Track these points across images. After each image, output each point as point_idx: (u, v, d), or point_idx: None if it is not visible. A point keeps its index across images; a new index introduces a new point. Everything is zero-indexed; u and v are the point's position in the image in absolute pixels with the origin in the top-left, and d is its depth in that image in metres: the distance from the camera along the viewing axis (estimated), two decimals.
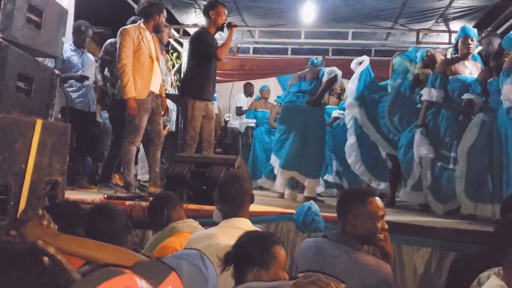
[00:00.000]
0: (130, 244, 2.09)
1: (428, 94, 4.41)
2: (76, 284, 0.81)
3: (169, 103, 6.16)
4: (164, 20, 4.56)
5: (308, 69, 5.33)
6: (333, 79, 4.97)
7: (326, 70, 5.02)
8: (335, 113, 6.34)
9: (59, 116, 4.43)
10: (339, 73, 5.02)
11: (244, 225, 2.12)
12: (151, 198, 3.73)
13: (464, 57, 4.45)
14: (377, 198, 2.08)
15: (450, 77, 4.42)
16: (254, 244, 1.69)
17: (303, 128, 4.98)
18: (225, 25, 4.65)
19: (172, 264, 1.08)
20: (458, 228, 3.40)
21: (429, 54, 4.92)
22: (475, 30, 4.63)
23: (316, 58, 5.45)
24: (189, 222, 2.57)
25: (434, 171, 4.33)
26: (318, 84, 5.04)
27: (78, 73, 4.90)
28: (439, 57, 4.97)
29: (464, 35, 4.46)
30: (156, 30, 4.52)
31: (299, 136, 4.96)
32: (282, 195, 5.13)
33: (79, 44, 5.01)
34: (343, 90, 6.59)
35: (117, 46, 4.31)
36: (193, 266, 1.23)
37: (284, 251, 1.74)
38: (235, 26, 4.56)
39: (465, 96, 4.16)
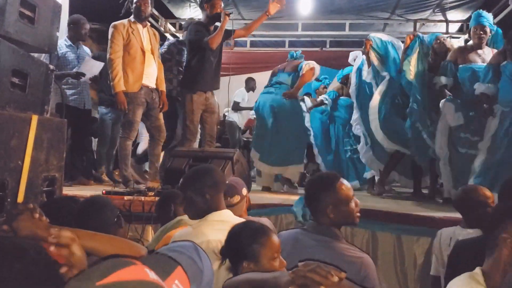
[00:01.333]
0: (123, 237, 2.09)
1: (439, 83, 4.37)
2: (86, 273, 0.80)
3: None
4: (144, 5, 4.43)
5: (287, 62, 5.31)
6: (310, 73, 4.95)
7: (304, 63, 5.00)
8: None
9: (55, 112, 4.41)
10: (317, 66, 5.02)
11: (227, 217, 2.12)
12: (150, 193, 3.76)
13: (476, 46, 4.30)
14: (343, 180, 2.02)
15: (460, 66, 4.30)
16: (241, 238, 1.68)
17: (278, 120, 4.97)
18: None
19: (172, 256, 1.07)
20: (457, 217, 3.40)
21: (438, 41, 4.71)
22: (490, 16, 4.39)
23: (295, 52, 5.40)
24: None
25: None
26: (297, 77, 5.03)
27: (74, 69, 4.87)
28: (450, 44, 4.76)
29: (476, 24, 4.31)
30: (138, 17, 4.44)
31: (275, 129, 4.98)
32: (268, 188, 5.09)
33: (75, 38, 4.97)
34: None
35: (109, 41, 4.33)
36: (188, 258, 1.22)
37: (273, 239, 1.70)
38: (228, 15, 4.52)
39: (477, 87, 4.00)
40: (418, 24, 7.95)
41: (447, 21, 7.64)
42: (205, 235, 1.98)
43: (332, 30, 8.27)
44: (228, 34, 4.71)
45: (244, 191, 2.61)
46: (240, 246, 1.66)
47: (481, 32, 4.27)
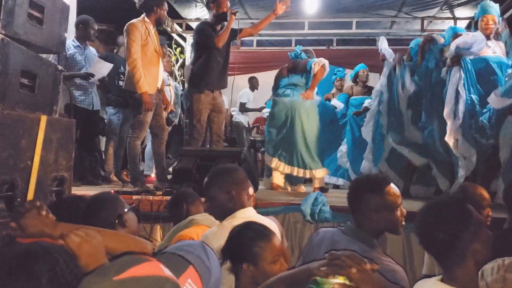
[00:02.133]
0: None
1: None
2: (102, 269, 0.81)
3: (173, 97, 6.17)
4: (165, 13, 4.52)
5: (293, 62, 5.09)
6: (322, 71, 4.85)
7: (313, 62, 4.87)
8: (366, 102, 5.91)
9: (63, 113, 4.44)
10: (326, 62, 4.88)
11: (253, 214, 2.12)
12: (162, 192, 3.78)
13: (486, 38, 4.14)
14: (393, 185, 1.91)
15: (472, 58, 4.10)
16: (242, 240, 1.68)
17: (300, 121, 4.87)
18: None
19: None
20: None
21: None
22: (497, 6, 4.29)
23: (298, 52, 5.17)
24: (207, 216, 2.59)
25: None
26: (309, 76, 4.92)
27: (82, 70, 4.90)
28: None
29: (484, 14, 4.20)
30: (159, 24, 4.50)
31: (299, 131, 4.86)
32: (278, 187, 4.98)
33: (84, 38, 4.98)
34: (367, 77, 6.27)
35: (125, 41, 4.29)
36: (196, 258, 1.22)
37: (274, 242, 1.69)
38: (235, 14, 4.52)
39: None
40: (425, 22, 7.90)
41: (455, 19, 7.58)
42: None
43: (338, 28, 8.24)
44: (235, 33, 4.69)
45: (251, 190, 2.61)
46: (241, 248, 1.66)
47: (490, 22, 4.16)
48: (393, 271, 1.76)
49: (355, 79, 6.25)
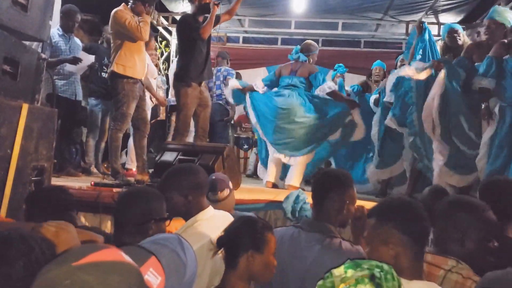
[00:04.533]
0: None
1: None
2: (61, 257, 0.80)
3: (159, 90, 6.13)
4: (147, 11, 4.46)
5: (296, 63, 4.99)
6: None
7: (324, 86, 4.81)
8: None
9: (45, 102, 4.38)
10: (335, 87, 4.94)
11: (214, 212, 2.12)
12: (139, 185, 3.75)
13: (491, 42, 4.03)
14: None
15: (476, 64, 4.03)
16: (249, 229, 1.71)
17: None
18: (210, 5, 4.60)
19: (150, 249, 1.07)
20: None
21: (450, 35, 4.44)
22: (502, 10, 4.23)
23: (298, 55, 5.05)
24: None
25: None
26: (309, 83, 4.88)
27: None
28: (463, 40, 4.45)
29: (487, 19, 4.16)
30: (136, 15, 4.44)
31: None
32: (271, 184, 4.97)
33: (67, 28, 4.93)
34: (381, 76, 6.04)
35: (120, 26, 4.26)
36: (171, 251, 1.22)
37: (274, 238, 1.76)
38: (217, 4, 4.53)
39: (477, 80, 3.83)
40: (410, 26, 7.98)
41: (439, 24, 7.67)
42: (204, 235, 1.97)
43: (324, 29, 8.27)
44: (217, 20, 4.73)
45: (231, 185, 2.62)
46: (246, 238, 1.69)
47: (493, 26, 4.04)
48: (351, 252, 1.88)
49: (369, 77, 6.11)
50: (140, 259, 0.92)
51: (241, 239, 1.69)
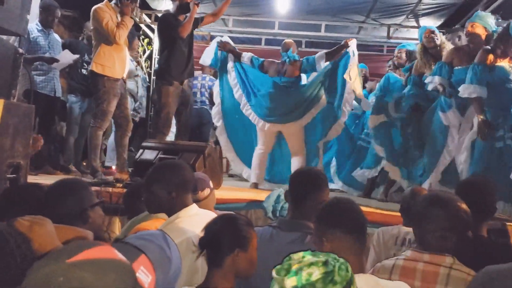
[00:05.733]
0: None
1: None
2: (53, 253, 0.79)
3: (140, 88, 6.08)
4: (131, 9, 4.42)
5: (283, 64, 4.91)
6: None
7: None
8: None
9: (22, 98, 4.30)
10: None
11: (197, 210, 2.11)
12: (122, 184, 3.71)
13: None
14: None
15: (456, 68, 4.06)
16: (233, 228, 1.70)
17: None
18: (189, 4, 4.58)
19: (135, 245, 1.06)
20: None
21: (427, 35, 4.40)
22: (484, 15, 4.21)
23: (290, 53, 4.93)
24: None
25: None
26: (298, 81, 4.88)
27: (46, 55, 4.76)
28: (442, 41, 4.41)
29: (468, 22, 4.15)
30: (121, 14, 4.40)
31: None
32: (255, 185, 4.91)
33: (46, 24, 4.85)
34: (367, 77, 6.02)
35: (97, 26, 4.20)
36: (156, 246, 1.21)
37: (256, 233, 1.77)
38: (197, 4, 4.53)
39: (466, 89, 3.78)
40: (391, 29, 8.08)
41: (419, 28, 7.78)
42: (185, 231, 1.95)
43: (308, 30, 8.31)
44: (197, 22, 4.74)
45: (211, 184, 2.60)
46: (237, 233, 1.68)
47: (474, 30, 4.05)
48: None
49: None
50: (130, 256, 0.91)
51: (226, 238, 1.67)
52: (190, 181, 2.15)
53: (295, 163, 4.71)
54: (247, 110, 4.87)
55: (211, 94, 6.25)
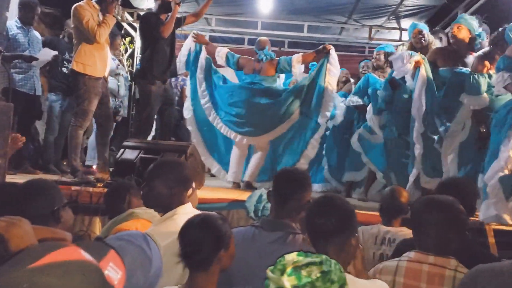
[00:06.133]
0: None
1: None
2: (17, 258, 0.77)
3: (122, 87, 6.03)
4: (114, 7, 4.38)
5: (259, 62, 4.84)
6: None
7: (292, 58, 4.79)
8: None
9: (1, 97, 4.23)
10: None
11: (192, 209, 2.11)
12: (103, 184, 3.67)
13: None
14: None
15: (441, 69, 4.11)
16: (215, 231, 1.67)
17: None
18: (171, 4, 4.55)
19: (114, 245, 1.05)
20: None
21: (414, 34, 4.46)
22: (470, 18, 4.26)
23: (267, 51, 4.88)
24: (148, 210, 2.54)
25: None
26: (273, 79, 4.85)
27: (25, 52, 4.69)
28: (429, 41, 4.48)
29: (453, 23, 4.22)
30: (104, 11, 4.35)
31: None
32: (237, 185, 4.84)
33: (26, 21, 4.77)
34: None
35: (78, 24, 4.14)
36: (136, 247, 1.20)
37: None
38: (179, 4, 4.52)
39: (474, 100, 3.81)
40: (373, 30, 8.16)
41: (400, 29, 7.88)
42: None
43: (290, 30, 8.35)
44: (179, 21, 4.70)
45: (193, 184, 2.60)
46: (222, 235, 1.67)
47: (459, 31, 4.12)
48: None
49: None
50: (98, 253, 0.90)
51: (209, 243, 1.65)
52: (190, 179, 2.18)
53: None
54: (218, 124, 4.77)
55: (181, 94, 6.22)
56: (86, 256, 0.80)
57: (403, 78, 4.27)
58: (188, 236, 1.67)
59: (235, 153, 4.75)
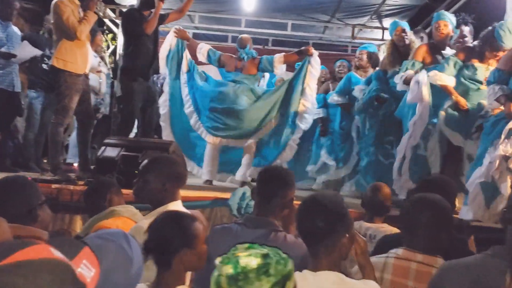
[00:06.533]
0: None
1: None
2: None
3: (103, 85, 5.96)
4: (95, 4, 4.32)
5: (241, 60, 4.80)
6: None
7: (275, 57, 4.76)
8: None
9: None
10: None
11: (182, 207, 2.11)
12: (84, 182, 3.63)
13: (441, 45, 4.23)
14: None
15: (429, 67, 4.10)
16: (177, 226, 1.66)
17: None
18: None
19: (94, 244, 1.03)
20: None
21: (398, 32, 4.48)
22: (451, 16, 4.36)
23: (248, 50, 4.83)
24: (129, 208, 2.54)
25: None
26: (255, 78, 4.85)
27: (3, 48, 4.61)
28: (410, 40, 4.51)
29: (436, 20, 4.23)
30: (84, 7, 4.29)
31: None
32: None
33: (4, 16, 4.69)
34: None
35: (58, 20, 4.07)
36: (117, 246, 1.19)
37: (203, 225, 1.74)
38: (162, 0, 4.48)
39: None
40: (356, 30, 8.21)
41: (383, 28, 7.94)
42: None
43: (274, 29, 8.34)
44: (162, 18, 4.66)
45: None
46: (174, 237, 1.64)
47: (442, 28, 4.17)
48: (295, 244, 1.91)
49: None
50: (72, 251, 0.88)
51: (171, 240, 1.64)
52: (183, 177, 2.22)
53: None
54: (199, 129, 4.74)
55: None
56: (56, 254, 0.78)
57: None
58: (152, 232, 1.67)
59: (209, 151, 4.72)
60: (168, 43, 4.86)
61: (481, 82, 3.86)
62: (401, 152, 4.04)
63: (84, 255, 0.91)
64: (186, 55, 4.84)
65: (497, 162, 3.25)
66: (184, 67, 4.77)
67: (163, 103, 4.86)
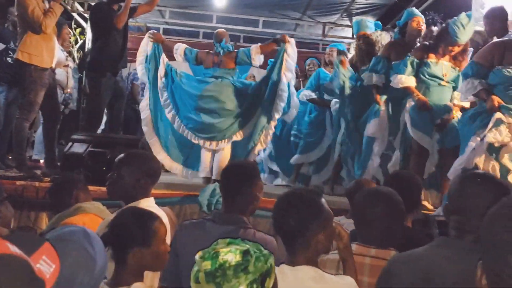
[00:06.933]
0: None
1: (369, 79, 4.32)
2: None
3: (70, 79, 5.84)
4: None
5: (218, 56, 4.71)
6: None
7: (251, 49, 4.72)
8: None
9: None
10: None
11: (154, 204, 2.11)
12: (50, 178, 3.55)
13: (412, 42, 4.32)
14: None
15: (394, 63, 4.20)
16: (133, 223, 1.65)
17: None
18: None
19: (54, 246, 1.01)
20: None
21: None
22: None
23: (224, 44, 4.77)
24: (96, 204, 2.51)
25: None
26: (233, 72, 4.74)
27: None
28: (376, 37, 4.65)
29: (416, 16, 4.34)
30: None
31: None
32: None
33: None
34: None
35: (22, 13, 3.95)
36: (78, 247, 1.16)
37: (163, 223, 1.73)
38: None
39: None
40: (326, 27, 8.28)
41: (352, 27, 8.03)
42: None
43: (246, 25, 8.33)
44: (132, 11, 4.59)
45: None
46: (132, 232, 1.63)
47: (422, 24, 4.28)
48: (264, 241, 1.91)
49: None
50: (31, 247, 0.86)
51: (127, 235, 1.63)
52: (157, 173, 2.21)
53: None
54: (184, 131, 4.61)
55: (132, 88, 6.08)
56: (13, 249, 0.76)
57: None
58: (111, 226, 1.67)
59: (204, 150, 4.62)
60: (144, 48, 4.72)
61: (441, 78, 3.97)
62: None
63: (44, 251, 0.89)
64: (163, 59, 4.70)
65: (484, 148, 3.20)
66: (162, 71, 4.62)
67: (144, 108, 4.67)
